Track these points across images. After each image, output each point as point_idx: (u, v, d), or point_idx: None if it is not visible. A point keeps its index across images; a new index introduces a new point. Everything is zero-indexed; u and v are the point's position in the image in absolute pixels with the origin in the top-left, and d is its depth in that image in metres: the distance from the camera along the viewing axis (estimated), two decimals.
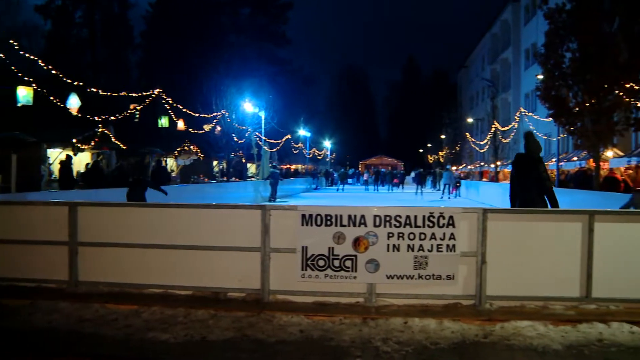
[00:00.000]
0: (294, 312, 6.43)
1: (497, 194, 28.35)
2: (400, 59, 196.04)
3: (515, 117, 41.40)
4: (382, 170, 53.53)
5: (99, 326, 6.06)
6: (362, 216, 6.80)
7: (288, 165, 61.91)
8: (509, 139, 42.08)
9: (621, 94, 18.50)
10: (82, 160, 25.42)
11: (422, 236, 6.74)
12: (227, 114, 33.24)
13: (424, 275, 6.73)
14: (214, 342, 5.65)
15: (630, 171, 24.63)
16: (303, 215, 6.82)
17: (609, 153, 25.17)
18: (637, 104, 19.12)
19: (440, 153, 74.46)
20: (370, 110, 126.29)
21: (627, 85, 18.25)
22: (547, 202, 8.07)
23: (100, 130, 23.00)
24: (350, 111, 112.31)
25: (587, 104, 19.32)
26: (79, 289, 7.30)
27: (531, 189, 8.39)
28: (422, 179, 41.12)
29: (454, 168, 63.55)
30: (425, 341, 5.67)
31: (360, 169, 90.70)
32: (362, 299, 6.88)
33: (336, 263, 6.77)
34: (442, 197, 35.04)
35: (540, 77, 22.53)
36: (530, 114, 38.67)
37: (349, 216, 6.80)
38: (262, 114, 37.00)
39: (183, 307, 6.56)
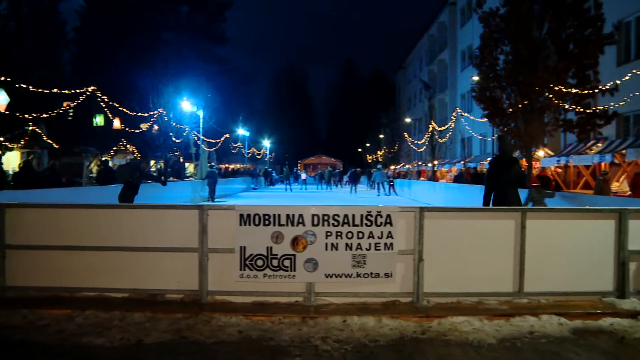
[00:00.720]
0: (233, 313, 6.38)
1: (432, 193, 28.99)
2: (340, 59, 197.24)
3: (452, 117, 42.27)
4: (329, 169, 53.77)
5: (28, 333, 5.85)
6: (300, 215, 6.80)
7: (227, 165, 61.41)
8: (445, 139, 42.96)
9: (551, 96, 19.11)
10: (10, 160, 24.49)
11: (360, 235, 6.80)
12: (164, 112, 32.71)
13: (363, 273, 6.80)
14: (151, 345, 5.54)
15: (560, 170, 25.56)
16: (241, 215, 6.77)
17: (541, 153, 26.03)
18: (565, 106, 19.81)
19: (379, 152, 75.41)
20: (309, 109, 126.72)
21: (556, 88, 18.86)
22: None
23: (30, 128, 22.20)
24: (289, 110, 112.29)
25: (520, 105, 19.84)
26: (7, 295, 6.99)
27: (508, 187, 9.32)
28: (356, 178, 43.26)
29: (392, 167, 64.56)
30: (364, 339, 5.73)
31: (299, 168, 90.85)
32: (301, 298, 6.88)
33: (275, 263, 6.76)
34: (378, 195, 37.16)
35: (476, 78, 23.05)
36: (466, 114, 39.60)
37: (287, 215, 6.79)
38: (201, 113, 36.62)
39: (119, 310, 6.40)
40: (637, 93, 20.18)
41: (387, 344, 5.63)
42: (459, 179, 31.84)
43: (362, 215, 6.83)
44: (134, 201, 13.25)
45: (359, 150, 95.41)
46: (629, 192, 16.68)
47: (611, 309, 6.76)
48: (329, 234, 6.79)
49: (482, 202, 9.55)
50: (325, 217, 6.80)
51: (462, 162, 37.55)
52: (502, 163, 9.61)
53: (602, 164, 20.74)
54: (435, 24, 60.41)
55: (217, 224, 6.91)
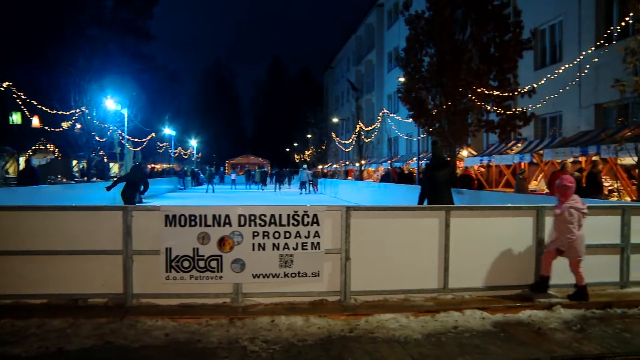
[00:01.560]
0: (159, 316, 6.25)
1: (359, 192, 29.35)
2: (268, 58, 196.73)
3: (379, 117, 42.90)
4: (259, 169, 53.63)
5: None
6: (227, 216, 6.74)
7: (153, 165, 60.19)
8: (372, 139, 43.55)
9: (473, 97, 19.72)
10: None
11: (287, 234, 6.81)
12: (87, 111, 31.72)
13: (290, 273, 6.81)
14: (72, 352, 5.34)
15: (483, 169, 26.39)
16: (167, 216, 6.65)
17: (464, 152, 26.79)
18: (487, 107, 20.48)
19: (306, 152, 75.66)
20: (237, 108, 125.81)
21: (479, 90, 19.47)
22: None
23: None
24: (216, 109, 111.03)
25: (444, 107, 20.35)
26: None
27: (442, 187, 10.70)
28: (280, 178, 45.56)
29: (320, 167, 64.93)
30: (292, 338, 5.73)
31: (227, 167, 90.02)
32: (229, 299, 6.83)
33: (201, 264, 6.68)
34: (300, 193, 39.68)
35: (402, 79, 23.47)
36: (392, 114, 40.31)
37: (214, 216, 6.72)
38: (125, 112, 35.71)
39: (37, 317, 6.12)
40: (552, 96, 21.07)
41: (315, 342, 5.65)
42: (385, 178, 32.41)
43: (288, 215, 6.83)
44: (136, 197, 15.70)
45: (287, 150, 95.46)
46: (547, 191, 17.40)
47: (530, 302, 7.05)
48: (255, 234, 6.77)
49: (417, 201, 10.94)
50: (252, 217, 6.77)
51: (389, 162, 38.16)
52: (436, 165, 11.09)
53: (522, 163, 21.55)
54: (363, 26, 61.16)
55: (142, 226, 6.75)
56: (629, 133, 14.18)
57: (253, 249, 6.75)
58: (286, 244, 6.80)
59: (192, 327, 6.05)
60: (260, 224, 6.77)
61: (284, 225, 6.81)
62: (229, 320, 6.25)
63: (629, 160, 14.14)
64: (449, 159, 20.92)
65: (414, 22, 21.28)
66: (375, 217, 7.28)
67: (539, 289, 7.23)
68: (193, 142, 75.26)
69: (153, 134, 47.71)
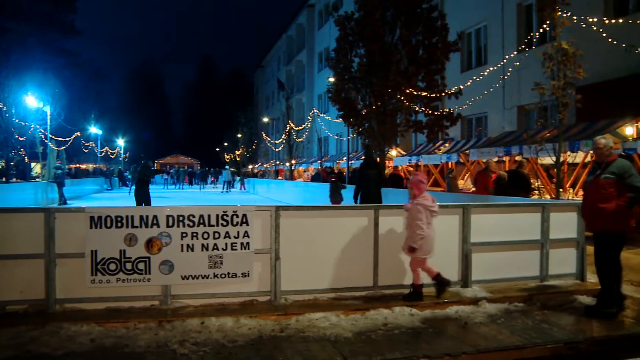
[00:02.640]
0: (84, 321, 6.04)
1: (290, 192, 29.37)
2: (198, 57, 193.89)
3: (309, 117, 43.06)
4: (183, 169, 53.02)
5: None
6: (155, 217, 6.59)
7: (78, 165, 58.32)
8: (302, 138, 43.63)
9: (402, 98, 20.04)
10: None
11: (217, 235, 6.72)
12: (5, 108, 30.35)
13: (220, 274, 6.73)
14: None
15: (411, 168, 26.88)
16: (92, 218, 6.44)
17: (393, 152, 27.21)
18: (415, 108, 20.86)
19: (237, 152, 75.07)
20: (166, 108, 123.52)
21: (407, 91, 19.81)
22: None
23: None
24: (145, 109, 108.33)
25: (374, 107, 20.58)
26: None
27: (372, 186, 12.40)
28: (204, 177, 46.95)
29: (250, 166, 64.60)
30: (222, 340, 5.67)
31: (155, 168, 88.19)
32: (157, 302, 6.68)
33: (128, 266, 6.50)
34: (222, 192, 41.22)
35: (332, 79, 23.61)
36: (322, 114, 40.55)
37: (141, 217, 6.56)
38: (48, 109, 34.38)
39: None
40: (478, 97, 21.69)
41: (246, 343, 5.61)
42: (315, 178, 32.53)
43: (217, 216, 6.75)
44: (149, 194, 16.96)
45: (217, 149, 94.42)
46: (473, 189, 17.89)
47: (457, 297, 7.24)
48: (184, 234, 6.65)
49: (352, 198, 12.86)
50: (181, 218, 6.65)
51: (319, 162, 38.35)
52: (368, 166, 13.00)
53: (449, 163, 22.08)
54: (294, 25, 61.15)
55: (65, 228, 6.50)
56: (548, 134, 14.79)
57: (182, 250, 6.63)
58: (215, 244, 6.71)
59: (119, 331, 5.88)
60: (189, 225, 6.66)
61: (213, 226, 6.72)
62: (158, 323, 6.11)
63: (548, 160, 14.74)
64: (378, 159, 21.22)
65: (343, 23, 21.43)
66: (305, 217, 7.28)
67: (416, 297, 7.08)
68: (120, 142, 73.29)
69: (78, 133, 46.15)
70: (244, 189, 42.54)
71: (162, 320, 6.17)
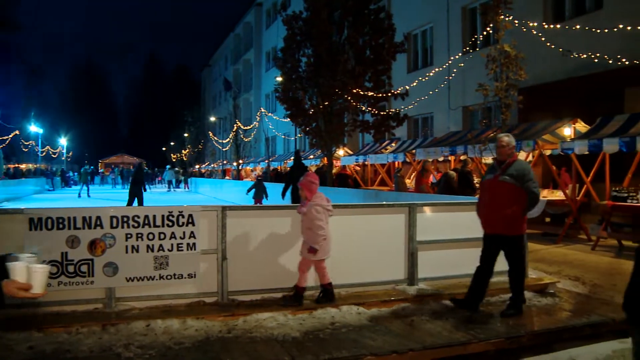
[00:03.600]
0: (23, 328, 5.80)
1: (237, 192, 29.11)
2: (144, 55, 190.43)
3: (257, 116, 42.87)
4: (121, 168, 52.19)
5: None
6: (98, 217, 6.41)
7: (17, 165, 56.53)
8: (250, 138, 43.43)
9: (349, 98, 20.14)
10: None
11: (162, 236, 6.60)
12: None
13: (165, 275, 6.61)
14: None
15: (358, 168, 27.06)
16: (31, 219, 6.21)
17: (341, 152, 27.31)
18: (362, 108, 21.01)
19: (183, 152, 74.14)
20: (110, 106, 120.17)
21: (354, 91, 19.92)
22: None
23: None
24: (88, 107, 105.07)
25: (321, 107, 20.62)
26: None
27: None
28: (151, 178, 48.30)
29: (197, 166, 63.91)
30: (169, 342, 5.56)
31: (100, 167, 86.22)
32: (101, 305, 6.50)
33: (71, 269, 6.30)
34: (168, 191, 42.33)
35: (279, 79, 23.55)
36: (270, 114, 40.44)
37: (84, 218, 6.37)
38: None
39: None
40: (424, 98, 21.98)
41: (192, 345, 5.52)
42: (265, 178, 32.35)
43: (163, 216, 6.63)
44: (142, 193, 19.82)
45: (164, 149, 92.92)
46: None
47: (403, 295, 7.32)
48: (129, 236, 6.50)
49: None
50: (125, 219, 6.49)
51: (267, 161, 38.22)
52: (296, 168, 14.77)
53: (396, 162, 22.30)
54: (242, 24, 60.73)
55: (2, 230, 6.26)
56: (492, 134, 15.13)
57: (126, 252, 6.48)
58: (161, 245, 6.59)
59: (60, 336, 5.68)
60: (133, 226, 6.51)
61: (159, 227, 6.59)
62: (102, 326, 5.94)
63: (491, 160, 15.05)
64: (318, 152, 21.32)
65: (291, 23, 21.39)
66: (251, 217, 7.24)
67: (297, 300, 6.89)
68: (63, 141, 71.32)
69: (17, 132, 44.72)
70: (188, 188, 42.35)
71: (106, 323, 6.01)
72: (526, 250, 7.44)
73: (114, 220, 6.46)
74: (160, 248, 6.59)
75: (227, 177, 50.28)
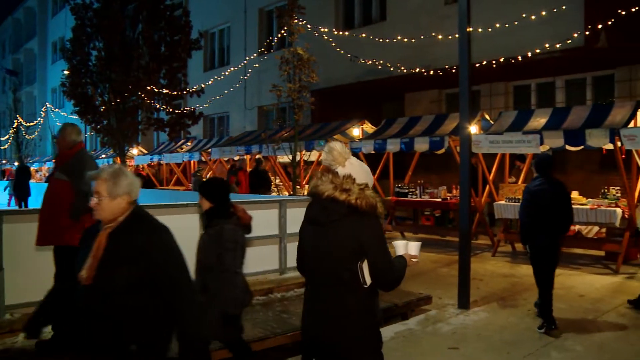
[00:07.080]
0: None
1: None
2: None
3: (42, 112, 39.97)
4: None
5: None
6: None
7: None
8: (34, 135, 40.38)
9: (143, 95, 19.53)
10: None
11: None
12: None
13: None
14: None
15: (153, 168, 26.34)
16: None
17: (134, 151, 26.36)
18: (157, 105, 20.52)
19: None
20: None
21: (149, 88, 19.37)
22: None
23: None
24: None
25: (113, 103, 19.78)
26: None
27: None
28: None
29: None
30: None
31: None
32: None
33: None
34: None
35: (67, 72, 22.12)
36: (57, 109, 37.91)
37: None
38: None
39: None
40: (220, 97, 22.04)
41: None
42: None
43: None
44: None
45: None
46: None
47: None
48: None
49: None
50: None
51: (54, 161, 35.74)
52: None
53: (192, 161, 22.06)
54: (22, 8, 55.51)
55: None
56: (286, 134, 15.63)
57: None
58: None
59: None
60: None
61: None
62: None
63: (285, 159, 15.57)
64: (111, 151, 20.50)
65: (80, 12, 20.21)
66: (32, 222, 6.62)
67: None
68: None
69: None
70: None
71: None
72: None
73: None
74: None
75: (6, 179, 46.08)
